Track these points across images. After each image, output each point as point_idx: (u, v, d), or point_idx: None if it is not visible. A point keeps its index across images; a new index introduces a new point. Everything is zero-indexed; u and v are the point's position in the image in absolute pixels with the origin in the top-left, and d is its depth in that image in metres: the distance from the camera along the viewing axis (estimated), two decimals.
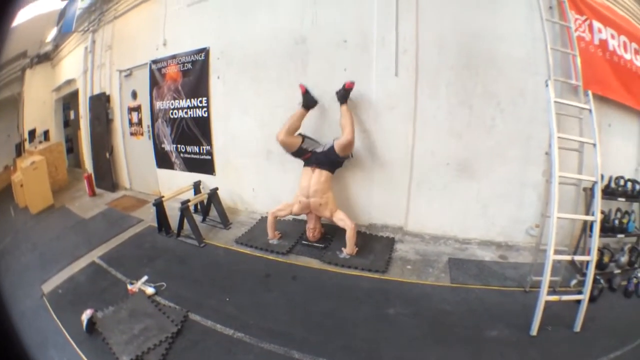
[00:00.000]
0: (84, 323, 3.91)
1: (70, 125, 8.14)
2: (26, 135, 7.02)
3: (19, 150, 6.85)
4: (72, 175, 7.95)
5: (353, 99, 5.37)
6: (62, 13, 7.25)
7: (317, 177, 5.24)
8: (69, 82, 7.82)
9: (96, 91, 7.63)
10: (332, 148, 5.22)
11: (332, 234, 5.62)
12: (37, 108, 7.40)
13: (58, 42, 7.62)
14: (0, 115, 6.63)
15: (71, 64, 7.75)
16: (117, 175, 7.83)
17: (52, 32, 7.50)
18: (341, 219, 5.18)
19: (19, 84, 6.79)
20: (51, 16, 7.18)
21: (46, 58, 7.51)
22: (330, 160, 5.27)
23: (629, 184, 4.70)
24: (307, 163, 5.36)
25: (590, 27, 4.77)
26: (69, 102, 8.02)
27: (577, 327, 3.72)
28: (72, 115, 8.07)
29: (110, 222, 6.63)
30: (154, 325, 3.94)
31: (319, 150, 5.35)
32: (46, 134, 7.57)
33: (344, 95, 5.25)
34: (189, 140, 6.88)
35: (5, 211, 6.39)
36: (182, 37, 6.61)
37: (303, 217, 5.64)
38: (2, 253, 5.52)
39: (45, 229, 6.58)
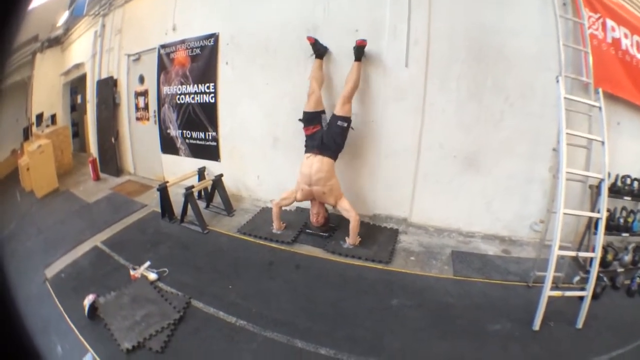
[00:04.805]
0: (86, 308, 3.92)
1: (77, 109, 8.12)
2: (34, 119, 7.01)
3: (27, 134, 6.84)
4: (77, 160, 7.93)
5: (363, 88, 5.39)
6: None
7: (318, 164, 5.12)
8: (78, 65, 7.78)
9: (104, 75, 7.61)
10: (333, 115, 5.24)
11: (336, 221, 5.59)
12: (46, 92, 7.38)
13: (69, 26, 7.58)
14: (9, 99, 6.60)
15: (80, 48, 7.70)
16: (121, 160, 7.83)
17: (64, 16, 7.47)
18: (345, 210, 5.15)
19: (29, 68, 6.77)
20: (63, 0, 7.16)
21: (57, 42, 7.48)
22: (333, 138, 5.19)
23: (636, 183, 4.69)
24: (309, 147, 5.28)
25: (604, 25, 4.73)
26: (76, 86, 7.99)
27: (580, 324, 3.72)
28: (79, 99, 8.04)
29: (113, 207, 6.63)
30: (156, 312, 3.94)
31: (325, 128, 5.31)
32: (53, 117, 7.55)
33: (357, 52, 5.23)
34: (194, 126, 6.86)
35: (12, 195, 6.40)
36: (192, 23, 6.57)
37: (306, 204, 5.61)
38: (8, 237, 5.52)
39: (49, 213, 6.57)
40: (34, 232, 5.87)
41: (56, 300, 4.24)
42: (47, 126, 7.36)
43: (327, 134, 5.21)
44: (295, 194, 5.36)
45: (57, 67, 7.67)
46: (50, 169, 7.04)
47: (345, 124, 5.23)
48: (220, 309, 3.98)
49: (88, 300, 3.97)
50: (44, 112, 7.29)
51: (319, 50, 5.48)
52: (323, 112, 5.41)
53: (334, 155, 5.23)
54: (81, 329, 3.76)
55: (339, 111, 5.21)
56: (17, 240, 5.59)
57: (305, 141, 5.36)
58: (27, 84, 6.80)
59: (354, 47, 5.23)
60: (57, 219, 6.33)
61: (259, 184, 6.63)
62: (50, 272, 4.83)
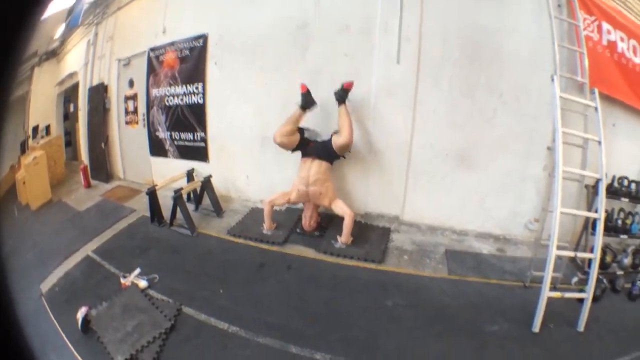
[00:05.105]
0: (79, 322, 3.84)
1: (69, 118, 8.09)
2: (30, 132, 6.97)
3: (23, 147, 6.80)
4: (69, 168, 7.85)
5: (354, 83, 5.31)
6: (71, 10, 7.27)
7: (316, 167, 5.17)
8: (71, 75, 7.78)
9: (95, 82, 7.58)
10: (330, 142, 5.18)
11: (327, 223, 5.55)
12: (42, 104, 7.35)
13: (65, 38, 7.62)
14: (9, 116, 6.56)
15: (74, 58, 7.70)
16: (111, 165, 7.74)
17: (61, 29, 7.50)
18: (340, 207, 5.13)
19: (27, 83, 6.77)
20: (61, 14, 7.19)
21: (53, 54, 7.49)
22: (328, 153, 5.20)
23: (633, 185, 4.68)
24: (306, 153, 5.29)
25: (599, 28, 4.78)
26: (69, 95, 7.98)
27: (581, 327, 3.66)
28: (71, 107, 8.02)
29: (103, 214, 6.52)
30: (148, 321, 3.86)
31: (319, 140, 5.31)
32: (48, 128, 7.51)
33: (342, 95, 5.15)
34: (183, 127, 6.78)
35: (11, 211, 6.32)
36: (182, 25, 6.51)
37: (298, 205, 5.59)
38: (8, 254, 5.44)
39: (43, 225, 6.45)
40: (30, 246, 5.70)
41: (51, 315, 4.12)
42: (42, 137, 7.32)
43: (323, 149, 5.23)
44: (289, 195, 5.34)
45: (53, 78, 7.68)
46: (44, 180, 6.96)
47: (341, 157, 5.29)
48: (212, 315, 3.90)
49: (81, 314, 3.89)
50: (39, 124, 7.26)
51: (307, 103, 5.33)
52: (302, 132, 5.34)
53: (330, 161, 5.26)
54: (75, 344, 3.66)
55: (338, 149, 5.14)
56: (15, 255, 5.48)
57: (301, 152, 5.38)
58: (25, 98, 6.78)
59: (336, 92, 5.16)
60: (51, 231, 6.23)
61: (248, 184, 6.54)
62: (45, 286, 4.72)
